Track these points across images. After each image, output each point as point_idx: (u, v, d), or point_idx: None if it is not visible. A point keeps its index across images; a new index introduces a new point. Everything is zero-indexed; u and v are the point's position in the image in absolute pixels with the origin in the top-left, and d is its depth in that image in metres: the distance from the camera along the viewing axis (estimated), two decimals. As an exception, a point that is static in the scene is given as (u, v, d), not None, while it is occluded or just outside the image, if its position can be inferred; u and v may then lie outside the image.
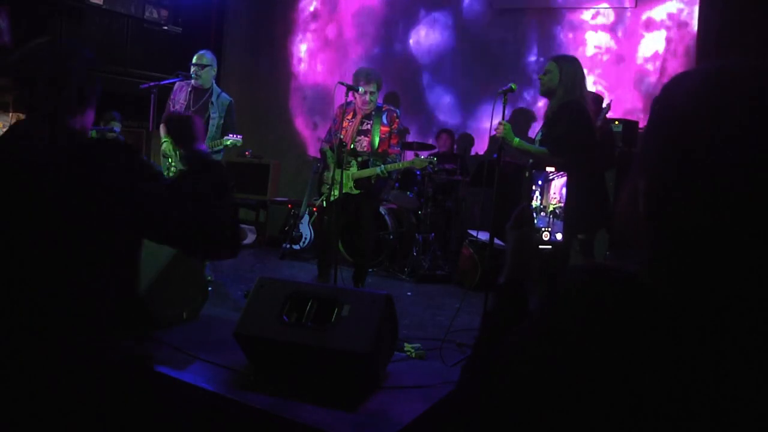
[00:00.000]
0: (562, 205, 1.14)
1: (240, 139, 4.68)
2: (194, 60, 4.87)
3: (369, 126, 4.54)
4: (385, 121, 4.57)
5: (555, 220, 1.12)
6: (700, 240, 0.69)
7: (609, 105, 4.80)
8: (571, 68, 3.78)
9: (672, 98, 0.76)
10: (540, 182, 1.13)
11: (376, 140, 4.53)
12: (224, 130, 4.89)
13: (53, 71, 1.55)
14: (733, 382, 0.64)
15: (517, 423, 0.74)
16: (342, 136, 4.47)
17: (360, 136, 4.56)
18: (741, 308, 0.66)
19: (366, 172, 4.51)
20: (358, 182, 4.52)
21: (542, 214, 1.12)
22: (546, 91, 3.86)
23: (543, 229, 1.11)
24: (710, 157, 0.68)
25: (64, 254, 1.44)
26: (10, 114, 1.57)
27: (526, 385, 0.74)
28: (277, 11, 8.12)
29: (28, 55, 1.56)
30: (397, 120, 4.64)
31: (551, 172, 1.14)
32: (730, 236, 0.67)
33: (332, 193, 4.56)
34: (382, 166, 4.47)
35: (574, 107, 3.73)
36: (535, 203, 1.13)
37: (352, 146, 4.53)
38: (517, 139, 3.79)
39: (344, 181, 4.44)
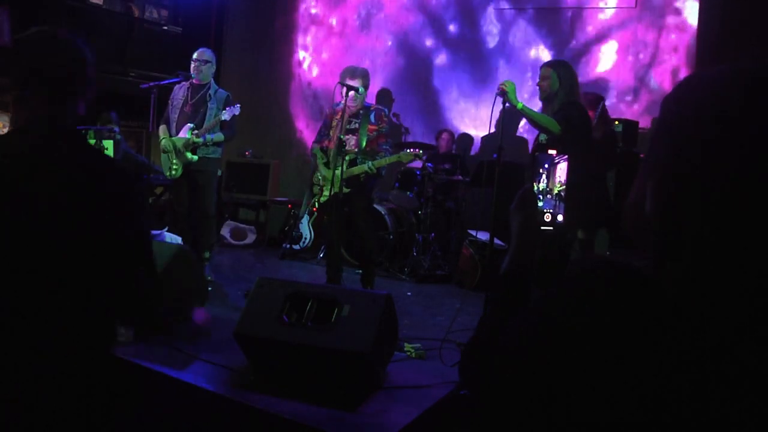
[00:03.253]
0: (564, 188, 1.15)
1: (237, 109, 4.88)
2: (195, 56, 5.00)
3: (357, 125, 4.49)
4: (372, 119, 4.51)
5: (560, 203, 1.12)
6: (708, 241, 0.68)
7: (604, 101, 4.79)
8: (567, 72, 3.84)
9: (686, 99, 0.75)
10: (546, 165, 1.13)
11: (364, 139, 4.48)
12: (222, 124, 4.99)
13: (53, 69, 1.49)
14: (739, 383, 0.63)
15: (519, 416, 0.74)
16: (332, 136, 4.43)
17: (347, 135, 4.50)
18: (745, 308, 0.65)
19: (354, 170, 4.46)
20: (348, 181, 4.47)
21: (548, 196, 1.12)
22: (546, 97, 3.86)
23: (547, 211, 1.11)
24: (723, 158, 0.67)
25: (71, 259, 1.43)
26: (10, 114, 1.55)
27: (529, 377, 0.74)
28: (277, 11, 8.12)
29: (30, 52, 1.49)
30: (385, 119, 4.58)
31: (554, 155, 1.14)
32: (739, 238, 0.66)
33: (323, 194, 4.58)
34: (370, 162, 4.41)
35: (577, 107, 3.78)
36: (542, 186, 1.13)
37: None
38: (521, 103, 3.71)
39: (335, 181, 4.43)
